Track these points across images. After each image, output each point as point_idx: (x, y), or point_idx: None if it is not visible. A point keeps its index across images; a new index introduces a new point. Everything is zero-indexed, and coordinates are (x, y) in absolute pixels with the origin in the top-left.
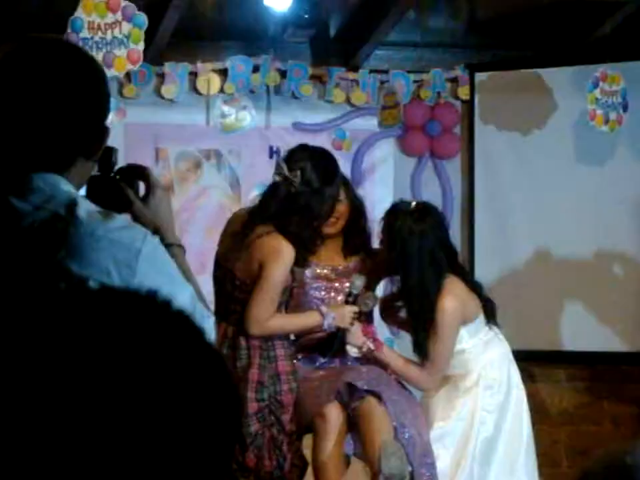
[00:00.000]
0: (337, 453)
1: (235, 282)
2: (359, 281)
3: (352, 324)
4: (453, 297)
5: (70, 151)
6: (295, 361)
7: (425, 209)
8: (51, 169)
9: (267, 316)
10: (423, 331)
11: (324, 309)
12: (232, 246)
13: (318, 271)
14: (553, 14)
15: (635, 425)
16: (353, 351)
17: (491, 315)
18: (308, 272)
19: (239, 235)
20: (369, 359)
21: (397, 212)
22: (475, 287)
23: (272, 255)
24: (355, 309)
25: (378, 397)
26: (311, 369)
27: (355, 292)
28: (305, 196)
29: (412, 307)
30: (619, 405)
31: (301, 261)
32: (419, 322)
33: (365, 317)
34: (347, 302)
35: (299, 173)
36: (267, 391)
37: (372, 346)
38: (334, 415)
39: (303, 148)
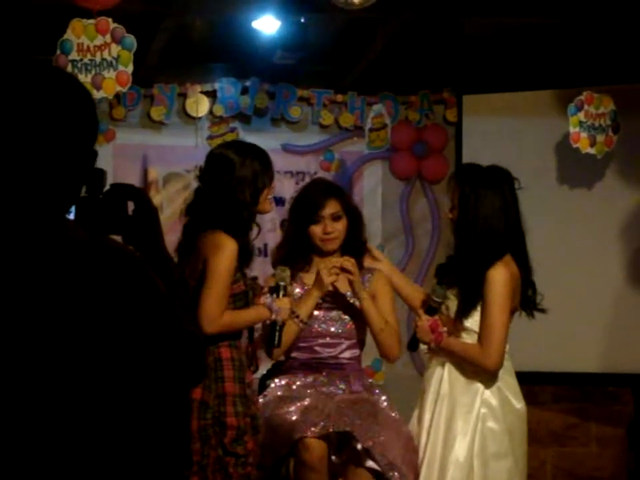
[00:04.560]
0: None
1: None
2: (284, 273)
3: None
4: (505, 270)
5: (79, 181)
6: (271, 384)
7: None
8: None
9: (218, 312)
10: (471, 303)
11: (271, 303)
12: (180, 259)
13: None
14: (537, 37)
15: (622, 446)
16: (422, 347)
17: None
18: (298, 289)
19: (182, 248)
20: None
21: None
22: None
23: (213, 249)
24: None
25: (365, 452)
26: (289, 396)
27: (282, 284)
28: (216, 186)
29: (464, 274)
30: (605, 426)
31: (247, 255)
32: (468, 292)
33: (433, 313)
34: (271, 293)
35: (201, 167)
36: (211, 412)
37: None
38: (317, 446)
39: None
